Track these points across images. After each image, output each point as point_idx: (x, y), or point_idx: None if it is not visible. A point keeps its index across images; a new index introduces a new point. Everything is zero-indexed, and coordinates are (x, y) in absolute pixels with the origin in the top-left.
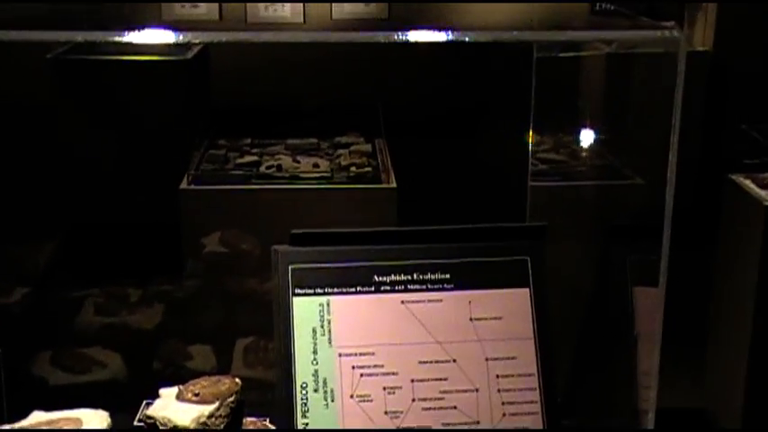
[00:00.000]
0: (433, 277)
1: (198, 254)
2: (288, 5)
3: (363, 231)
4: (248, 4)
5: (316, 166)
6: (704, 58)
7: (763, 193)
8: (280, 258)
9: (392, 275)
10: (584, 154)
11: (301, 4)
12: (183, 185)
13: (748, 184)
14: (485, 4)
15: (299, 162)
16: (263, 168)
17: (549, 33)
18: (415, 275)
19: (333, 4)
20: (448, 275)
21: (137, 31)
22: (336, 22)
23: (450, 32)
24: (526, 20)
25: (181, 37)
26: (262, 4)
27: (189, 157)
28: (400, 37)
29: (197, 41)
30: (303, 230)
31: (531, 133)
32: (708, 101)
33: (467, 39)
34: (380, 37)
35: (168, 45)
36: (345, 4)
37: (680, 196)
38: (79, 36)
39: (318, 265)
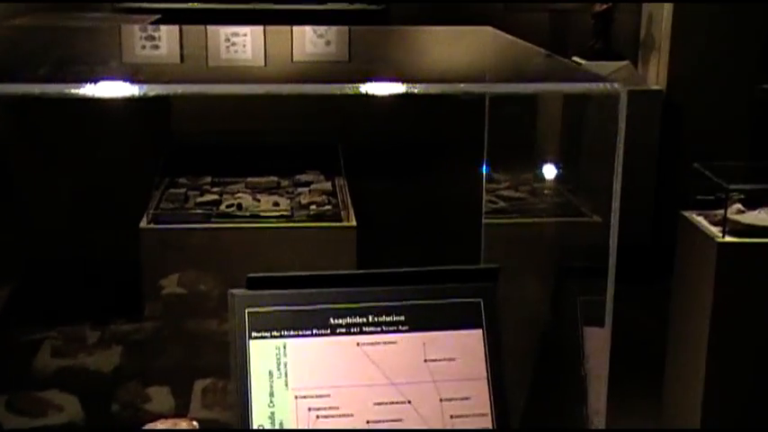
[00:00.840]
0: (387, 319)
1: (157, 294)
2: (249, 47)
3: (319, 274)
4: (210, 45)
5: (276, 204)
6: (658, 96)
7: (714, 229)
8: (236, 302)
9: (348, 318)
10: (543, 191)
11: (263, 46)
12: (143, 225)
13: (701, 220)
14: (444, 40)
15: (259, 200)
16: (223, 207)
17: (497, 86)
18: (370, 318)
19: (294, 46)
20: (402, 317)
21: (96, 84)
22: (297, 64)
23: (403, 84)
24: (484, 59)
25: (137, 90)
26: (223, 45)
27: (149, 196)
28: (354, 89)
29: (153, 94)
30: (259, 274)
31: (484, 171)
32: (662, 138)
33: (416, 90)
34: (335, 89)
35: None
36: (307, 45)
37: (638, 232)
38: (36, 89)
39: (275, 308)
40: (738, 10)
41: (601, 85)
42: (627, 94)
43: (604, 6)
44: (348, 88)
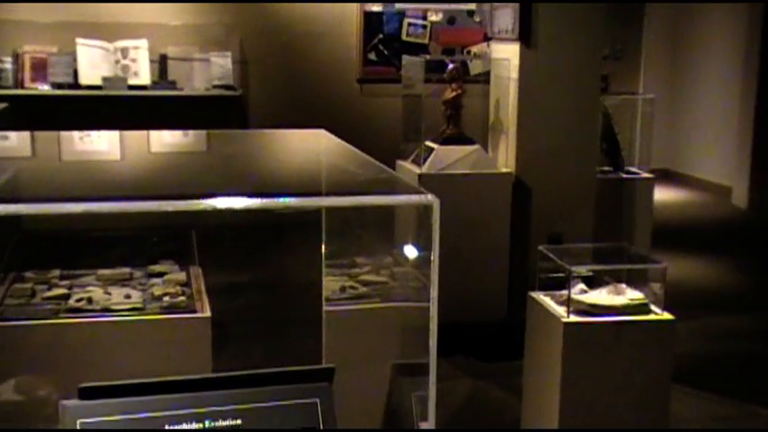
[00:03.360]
0: (225, 424)
1: None
2: (105, 139)
3: (154, 381)
4: (62, 139)
5: (128, 297)
6: (508, 178)
7: (560, 309)
8: (67, 414)
9: (184, 424)
10: (403, 276)
11: (118, 138)
12: None
13: (547, 301)
14: (283, 143)
15: (110, 294)
16: (72, 301)
17: (324, 199)
18: (207, 423)
19: (150, 137)
20: (240, 421)
21: None
22: (156, 155)
23: (246, 198)
24: (316, 165)
25: None
26: (77, 137)
27: None
28: (197, 206)
29: None
30: (92, 384)
31: (323, 261)
32: (513, 218)
33: (258, 203)
34: (180, 205)
35: None
36: (165, 136)
37: (494, 310)
38: None
39: (108, 418)
40: (579, 96)
41: (417, 197)
42: (439, 204)
43: (454, 93)
44: (194, 204)
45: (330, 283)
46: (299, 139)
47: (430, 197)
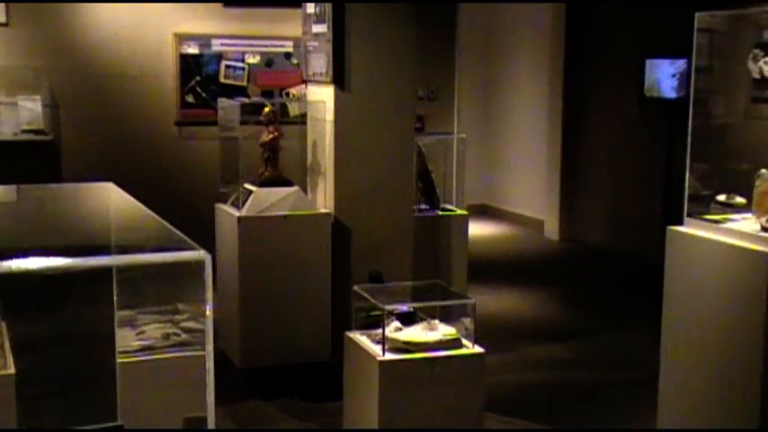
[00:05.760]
0: None
1: None
2: None
3: None
4: None
5: None
6: (327, 218)
7: (376, 348)
8: None
9: None
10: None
11: None
12: None
13: (363, 340)
14: (72, 197)
15: None
16: None
17: (118, 258)
18: None
19: None
20: None
21: None
22: None
23: (39, 258)
24: (103, 221)
25: None
26: None
27: None
28: None
29: None
30: None
31: (115, 317)
32: (334, 257)
33: (51, 264)
34: None
35: None
36: None
37: (318, 351)
38: None
39: None
40: (394, 136)
41: (189, 253)
42: (211, 260)
43: (271, 136)
44: None
45: (153, 331)
46: (87, 194)
47: (201, 253)
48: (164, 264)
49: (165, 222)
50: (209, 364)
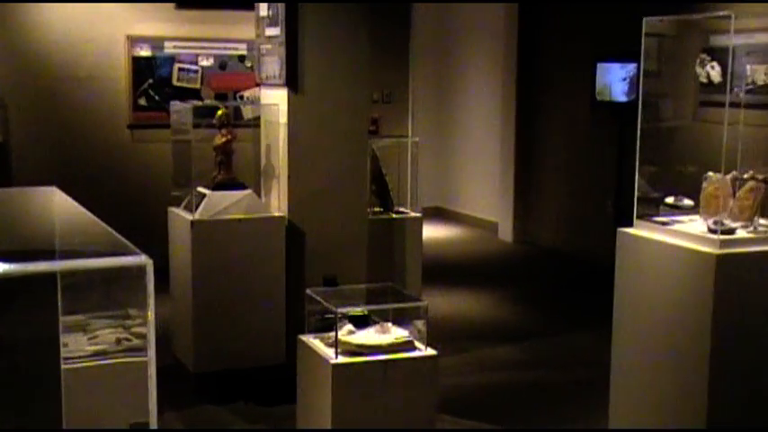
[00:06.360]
0: None
1: None
2: None
3: None
4: None
5: None
6: (281, 221)
7: (329, 351)
8: None
9: None
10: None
11: None
12: None
13: (317, 343)
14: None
15: None
16: None
17: (57, 263)
18: None
19: None
20: None
21: None
22: None
23: None
24: (46, 225)
25: None
26: None
27: None
28: None
29: None
30: None
31: (60, 321)
32: (288, 261)
33: None
34: None
35: None
36: None
37: (273, 355)
38: None
39: None
40: (348, 139)
41: (131, 258)
42: (152, 266)
43: (224, 139)
44: None
45: (106, 336)
46: (30, 198)
47: (143, 258)
48: (107, 269)
49: (108, 227)
50: (152, 370)
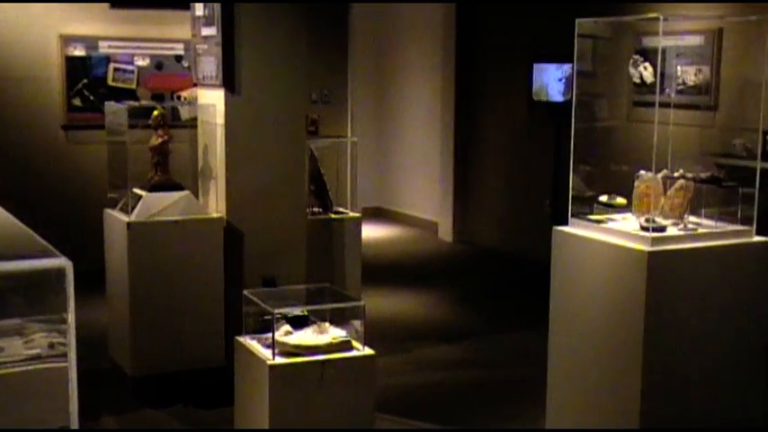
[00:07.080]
0: None
1: None
2: None
3: None
4: None
5: None
6: (219, 223)
7: (266, 352)
8: None
9: None
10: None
11: None
12: None
13: (254, 344)
14: None
15: None
16: None
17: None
18: None
19: None
20: None
21: None
22: None
23: None
24: None
25: None
26: None
27: None
28: None
29: None
30: None
31: None
32: (226, 261)
33: None
34: None
35: None
36: None
37: (212, 357)
38: None
39: None
40: (285, 139)
41: (50, 260)
42: (72, 268)
43: (160, 140)
44: None
45: (41, 340)
46: None
47: (62, 261)
48: (28, 272)
49: (29, 230)
50: (72, 374)
